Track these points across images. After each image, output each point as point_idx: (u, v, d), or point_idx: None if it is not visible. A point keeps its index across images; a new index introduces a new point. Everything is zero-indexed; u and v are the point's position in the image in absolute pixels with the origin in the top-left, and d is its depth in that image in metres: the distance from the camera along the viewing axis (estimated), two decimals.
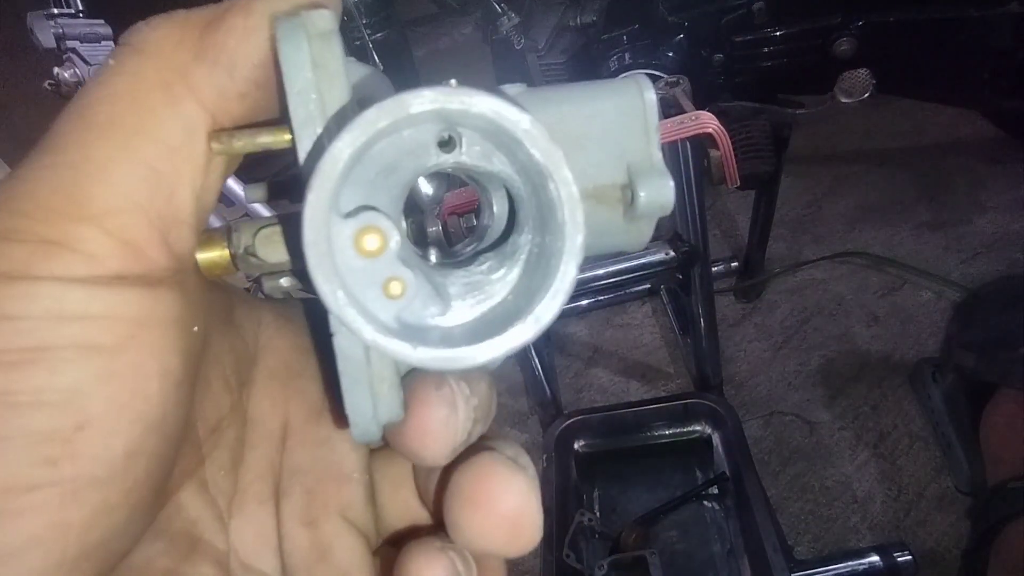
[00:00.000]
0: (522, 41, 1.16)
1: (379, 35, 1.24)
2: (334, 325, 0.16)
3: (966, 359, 0.94)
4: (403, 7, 1.38)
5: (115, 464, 0.15)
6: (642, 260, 0.87)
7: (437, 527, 0.22)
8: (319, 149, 0.15)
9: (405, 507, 0.22)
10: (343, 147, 0.14)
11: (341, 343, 0.17)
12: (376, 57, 1.24)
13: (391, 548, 0.23)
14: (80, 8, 0.85)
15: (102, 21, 0.88)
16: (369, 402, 0.17)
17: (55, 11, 0.84)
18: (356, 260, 0.15)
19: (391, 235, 0.15)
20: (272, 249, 0.18)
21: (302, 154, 0.16)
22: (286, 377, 0.22)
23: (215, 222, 0.19)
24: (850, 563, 0.79)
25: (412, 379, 0.18)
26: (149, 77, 0.15)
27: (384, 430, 0.17)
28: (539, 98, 0.19)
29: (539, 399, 0.96)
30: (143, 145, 0.15)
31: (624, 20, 1.07)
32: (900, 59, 0.98)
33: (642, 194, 0.18)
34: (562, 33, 1.17)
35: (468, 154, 0.17)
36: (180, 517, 0.19)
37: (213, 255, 0.18)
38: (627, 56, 1.06)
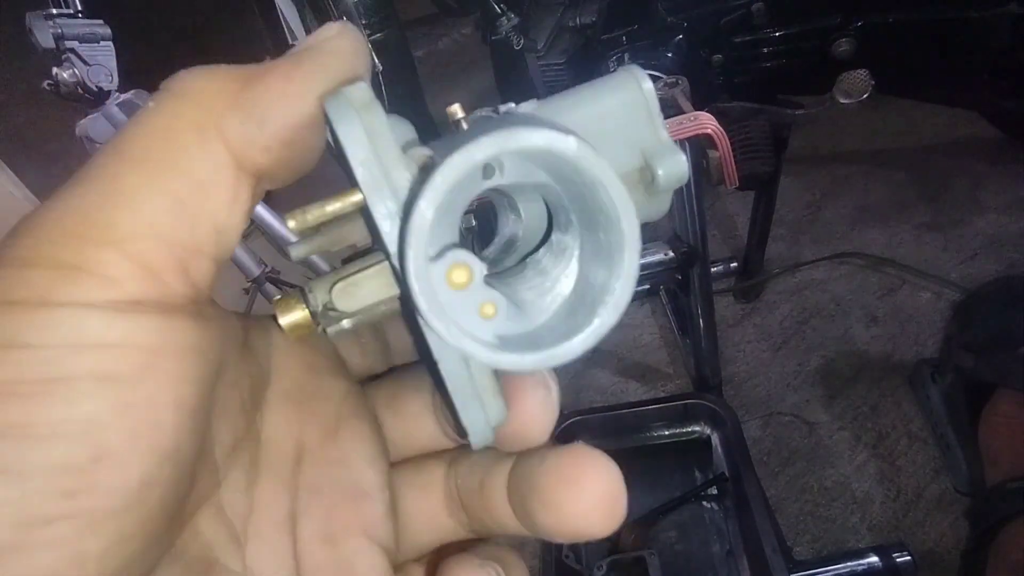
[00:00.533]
0: (521, 41, 1.16)
1: (378, 35, 1.24)
2: (437, 353, 0.18)
3: (965, 359, 0.93)
4: (402, 7, 1.38)
5: (131, 495, 0.15)
6: (641, 260, 0.86)
7: (467, 540, 0.23)
8: (406, 211, 0.17)
9: (431, 521, 0.23)
10: (427, 207, 0.16)
11: (447, 367, 0.19)
12: (376, 58, 1.24)
13: (415, 564, 0.23)
14: (79, 8, 0.85)
15: (101, 21, 0.88)
16: (481, 413, 0.19)
17: (54, 11, 0.83)
18: (451, 295, 0.17)
19: (475, 266, 0.17)
20: (350, 300, 0.19)
21: (378, 216, 0.17)
22: (299, 398, 0.22)
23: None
24: (849, 563, 0.79)
25: (503, 375, 0.20)
26: (185, 118, 0.16)
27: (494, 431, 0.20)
28: (553, 109, 0.20)
29: None
30: (171, 178, 0.16)
31: (623, 21, 1.07)
32: (899, 60, 0.98)
33: (660, 172, 0.20)
34: (561, 33, 1.17)
35: (508, 176, 0.18)
36: (197, 542, 0.19)
37: (295, 318, 0.19)
38: (626, 56, 1.06)
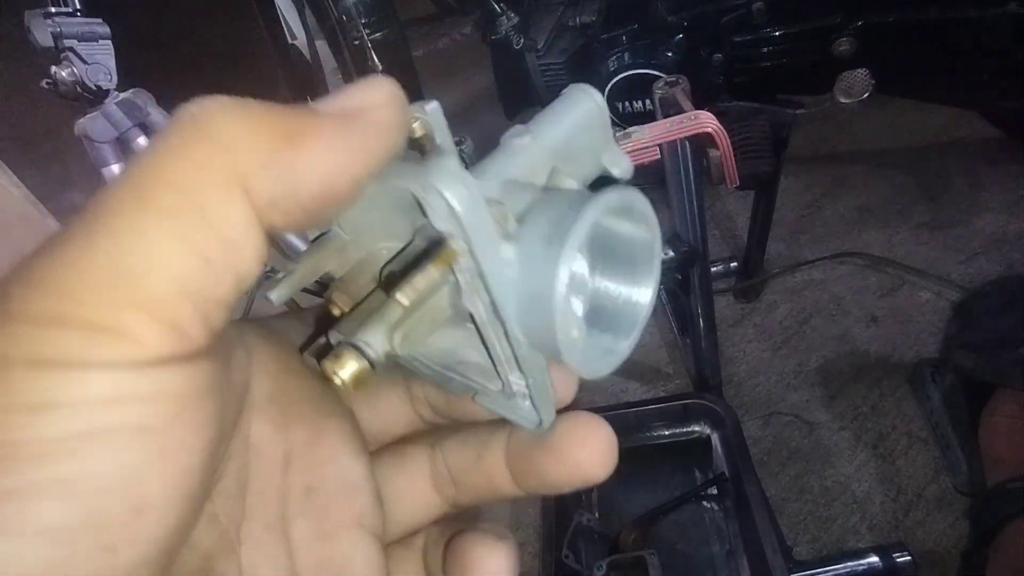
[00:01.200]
0: (521, 41, 1.16)
1: (378, 35, 1.24)
2: (526, 362, 0.20)
3: (965, 359, 0.93)
4: (402, 7, 1.38)
5: (167, 542, 0.15)
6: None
7: (458, 516, 0.25)
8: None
9: (417, 501, 0.24)
10: (564, 275, 0.17)
11: (533, 364, 0.20)
12: (375, 57, 1.24)
13: (398, 546, 0.24)
14: (78, 7, 0.85)
15: (100, 20, 0.87)
16: (552, 407, 0.22)
17: (52, 9, 0.83)
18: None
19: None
20: (413, 343, 0.19)
21: (492, 281, 0.18)
22: (283, 400, 0.22)
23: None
24: (849, 563, 0.79)
25: None
26: (216, 171, 0.15)
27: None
28: (542, 130, 0.21)
29: None
30: (201, 237, 0.15)
31: (623, 20, 1.07)
32: (899, 59, 0.98)
33: (615, 170, 0.23)
34: (561, 33, 1.17)
35: None
36: (194, 553, 0.19)
37: (355, 372, 0.18)
38: (626, 56, 1.06)
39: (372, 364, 0.18)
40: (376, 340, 0.18)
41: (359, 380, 0.18)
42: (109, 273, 0.15)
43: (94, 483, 0.14)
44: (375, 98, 0.17)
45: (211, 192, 0.15)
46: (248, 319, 0.23)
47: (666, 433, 0.91)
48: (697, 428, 0.91)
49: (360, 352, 0.18)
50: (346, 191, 0.16)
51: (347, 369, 0.18)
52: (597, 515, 0.85)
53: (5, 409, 0.14)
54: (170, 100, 1.00)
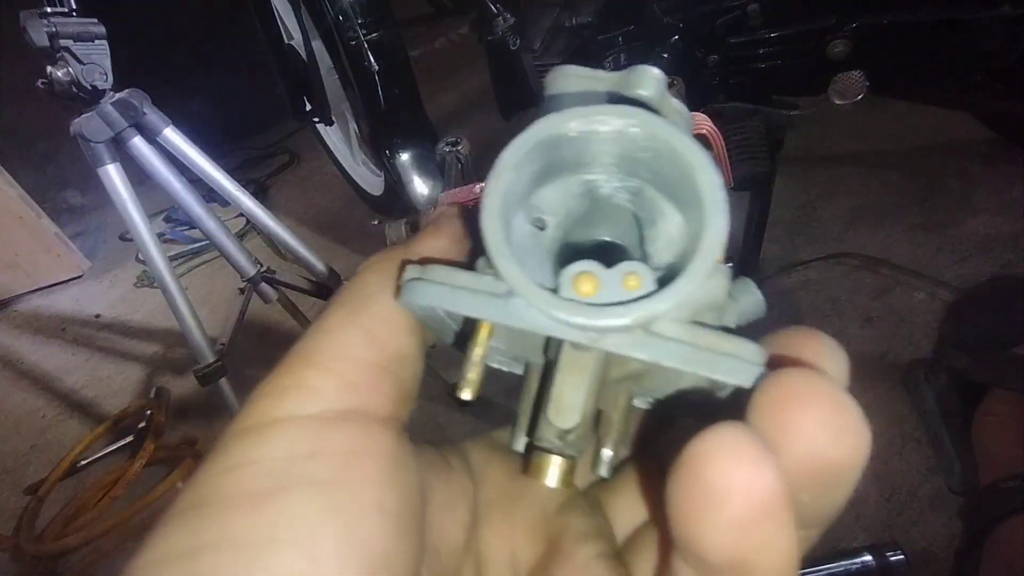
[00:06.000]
0: (517, 42, 1.16)
1: (374, 35, 1.24)
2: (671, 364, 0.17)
3: (959, 360, 0.94)
4: (398, 7, 1.38)
5: None
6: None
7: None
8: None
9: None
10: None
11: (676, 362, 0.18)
12: (372, 57, 1.24)
13: None
14: (73, 7, 0.85)
15: (95, 20, 0.87)
16: (735, 360, 0.18)
17: (48, 10, 0.83)
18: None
19: (590, 267, 0.17)
20: (568, 414, 0.18)
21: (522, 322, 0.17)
22: (506, 504, 0.22)
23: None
24: (843, 563, 0.79)
25: None
26: (369, 279, 0.20)
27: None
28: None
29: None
30: (362, 316, 0.19)
31: (619, 21, 1.08)
32: (893, 61, 0.99)
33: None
34: (557, 34, 1.17)
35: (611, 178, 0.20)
36: None
37: (556, 470, 0.19)
38: (622, 57, 1.06)
39: (560, 452, 0.19)
40: (545, 431, 0.19)
41: (564, 478, 0.19)
42: (296, 349, 0.19)
43: (273, 536, 0.15)
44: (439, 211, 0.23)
45: (368, 289, 0.20)
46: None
47: None
48: None
49: (547, 449, 0.19)
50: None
51: (547, 474, 0.19)
52: None
53: (209, 473, 0.16)
54: (165, 100, 1.00)
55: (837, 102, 0.96)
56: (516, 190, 0.19)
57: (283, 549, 0.15)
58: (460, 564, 0.21)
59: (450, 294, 0.18)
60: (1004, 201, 1.27)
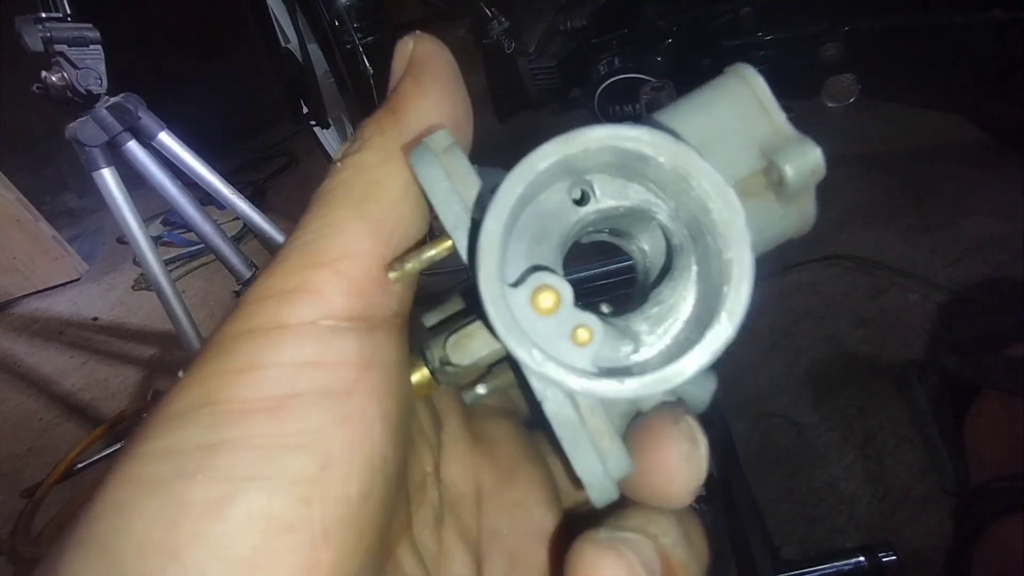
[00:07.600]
0: (512, 45, 1.16)
1: (369, 39, 1.24)
2: (539, 392, 0.17)
3: (951, 361, 0.94)
4: (394, 10, 1.39)
5: (352, 505, 0.16)
6: (632, 263, 0.87)
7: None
8: (474, 237, 0.16)
9: None
10: (493, 223, 0.15)
11: (551, 408, 0.17)
12: (367, 61, 1.24)
13: None
14: (68, 12, 0.85)
15: (90, 25, 0.87)
16: (596, 459, 0.17)
17: (43, 15, 0.83)
18: (539, 321, 0.16)
19: (563, 289, 0.16)
20: (463, 352, 0.19)
21: (462, 250, 0.17)
22: (470, 440, 0.23)
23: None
24: (836, 563, 0.79)
25: (643, 422, 0.18)
26: (371, 161, 0.19)
27: (620, 486, 0.17)
28: (664, 123, 0.19)
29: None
30: (369, 205, 0.18)
31: (614, 25, 1.08)
32: (886, 64, 0.99)
33: (787, 167, 0.18)
34: (552, 37, 1.18)
35: (604, 199, 0.18)
36: (398, 574, 0.20)
37: (418, 377, 0.20)
38: (616, 60, 1.07)
39: (432, 372, 0.20)
40: (435, 347, 0.20)
41: (420, 385, 0.20)
42: (299, 249, 0.18)
43: (285, 439, 0.16)
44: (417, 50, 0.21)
45: (371, 173, 0.18)
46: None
47: None
48: None
49: (424, 360, 0.20)
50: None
51: (414, 375, 0.20)
52: None
53: (217, 372, 0.16)
54: (164, 103, 1.01)
55: (830, 105, 0.97)
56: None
57: (297, 453, 0.16)
58: (423, 482, 0.22)
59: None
60: (997, 203, 1.28)
